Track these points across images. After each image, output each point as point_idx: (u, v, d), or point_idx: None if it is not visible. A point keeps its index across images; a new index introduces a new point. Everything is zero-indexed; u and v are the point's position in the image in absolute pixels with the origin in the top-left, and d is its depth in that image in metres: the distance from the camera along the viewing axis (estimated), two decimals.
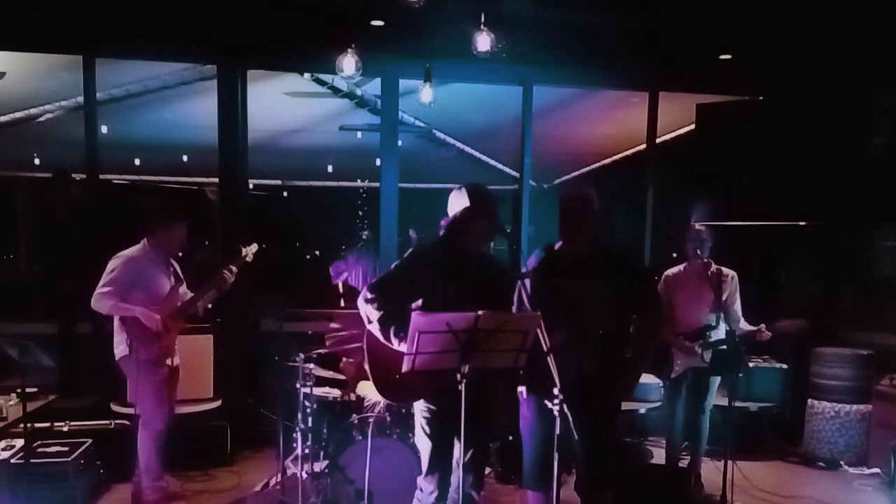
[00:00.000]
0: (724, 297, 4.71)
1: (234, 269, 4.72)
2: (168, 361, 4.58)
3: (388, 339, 3.28)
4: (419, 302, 3.35)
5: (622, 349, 3.52)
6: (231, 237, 5.59)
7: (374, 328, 3.33)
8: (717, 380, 4.92)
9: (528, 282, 3.38)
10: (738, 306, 4.85)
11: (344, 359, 4.94)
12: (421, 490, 3.47)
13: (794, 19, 5.14)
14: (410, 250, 3.58)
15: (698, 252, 4.71)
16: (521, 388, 3.52)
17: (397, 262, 3.54)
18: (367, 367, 3.44)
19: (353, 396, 4.71)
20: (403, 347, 3.10)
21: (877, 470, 5.44)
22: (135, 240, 4.57)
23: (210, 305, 5.64)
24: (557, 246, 3.55)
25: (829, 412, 5.71)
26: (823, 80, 5.88)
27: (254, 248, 4.84)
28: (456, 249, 3.41)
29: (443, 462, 3.42)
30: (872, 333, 6.23)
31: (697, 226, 4.90)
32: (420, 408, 3.45)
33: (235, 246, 4.85)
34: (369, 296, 3.34)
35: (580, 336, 3.31)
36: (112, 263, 4.44)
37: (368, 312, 3.33)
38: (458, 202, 3.39)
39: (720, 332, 4.75)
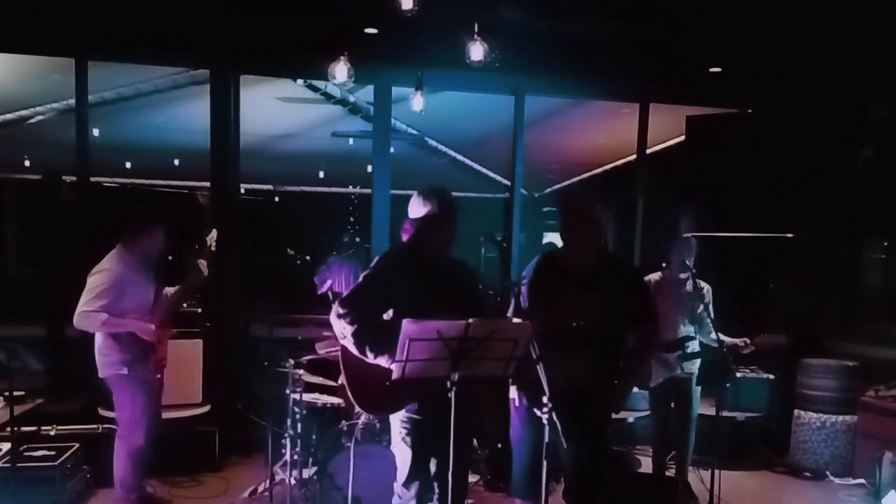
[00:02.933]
0: (699, 310, 4.70)
1: (204, 261, 4.55)
2: (159, 374, 4.48)
3: (363, 353, 3.19)
4: (391, 313, 3.28)
5: (616, 360, 3.52)
6: (222, 242, 5.54)
7: (349, 343, 3.23)
8: (698, 389, 4.89)
9: (524, 288, 3.38)
10: (710, 319, 4.71)
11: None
12: (399, 497, 3.41)
13: (785, 33, 5.19)
14: (376, 259, 3.47)
15: (686, 263, 4.65)
16: (514, 395, 3.50)
17: (364, 272, 3.42)
18: (344, 381, 3.34)
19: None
20: (380, 361, 3.10)
21: (862, 480, 5.46)
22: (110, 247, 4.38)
23: (200, 309, 5.65)
24: (560, 252, 3.52)
25: (815, 423, 5.74)
26: (813, 93, 5.95)
27: (213, 234, 4.68)
28: (422, 255, 3.37)
29: (424, 471, 3.36)
30: (859, 345, 6.28)
31: (684, 236, 4.88)
32: (400, 417, 3.36)
33: (200, 238, 4.68)
34: (341, 311, 3.22)
35: (573, 343, 3.30)
36: (95, 279, 4.21)
37: (342, 328, 3.22)
38: (419, 207, 3.34)
39: (696, 344, 4.76)
